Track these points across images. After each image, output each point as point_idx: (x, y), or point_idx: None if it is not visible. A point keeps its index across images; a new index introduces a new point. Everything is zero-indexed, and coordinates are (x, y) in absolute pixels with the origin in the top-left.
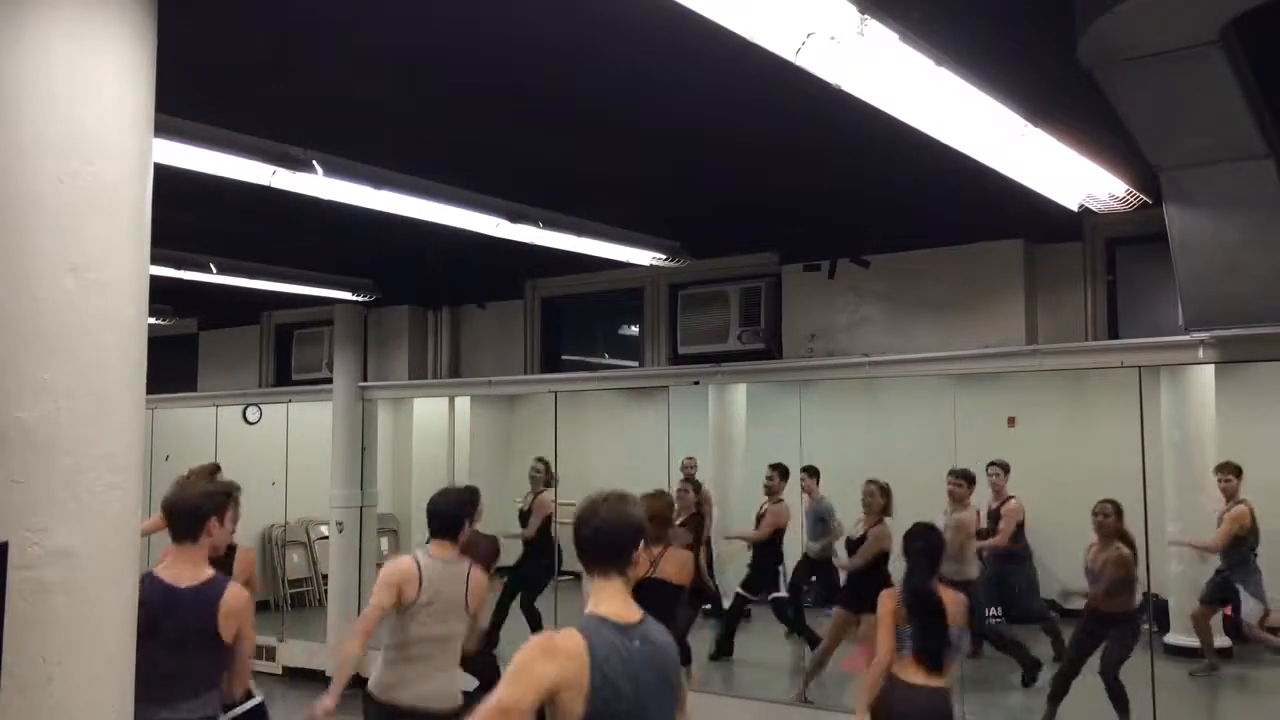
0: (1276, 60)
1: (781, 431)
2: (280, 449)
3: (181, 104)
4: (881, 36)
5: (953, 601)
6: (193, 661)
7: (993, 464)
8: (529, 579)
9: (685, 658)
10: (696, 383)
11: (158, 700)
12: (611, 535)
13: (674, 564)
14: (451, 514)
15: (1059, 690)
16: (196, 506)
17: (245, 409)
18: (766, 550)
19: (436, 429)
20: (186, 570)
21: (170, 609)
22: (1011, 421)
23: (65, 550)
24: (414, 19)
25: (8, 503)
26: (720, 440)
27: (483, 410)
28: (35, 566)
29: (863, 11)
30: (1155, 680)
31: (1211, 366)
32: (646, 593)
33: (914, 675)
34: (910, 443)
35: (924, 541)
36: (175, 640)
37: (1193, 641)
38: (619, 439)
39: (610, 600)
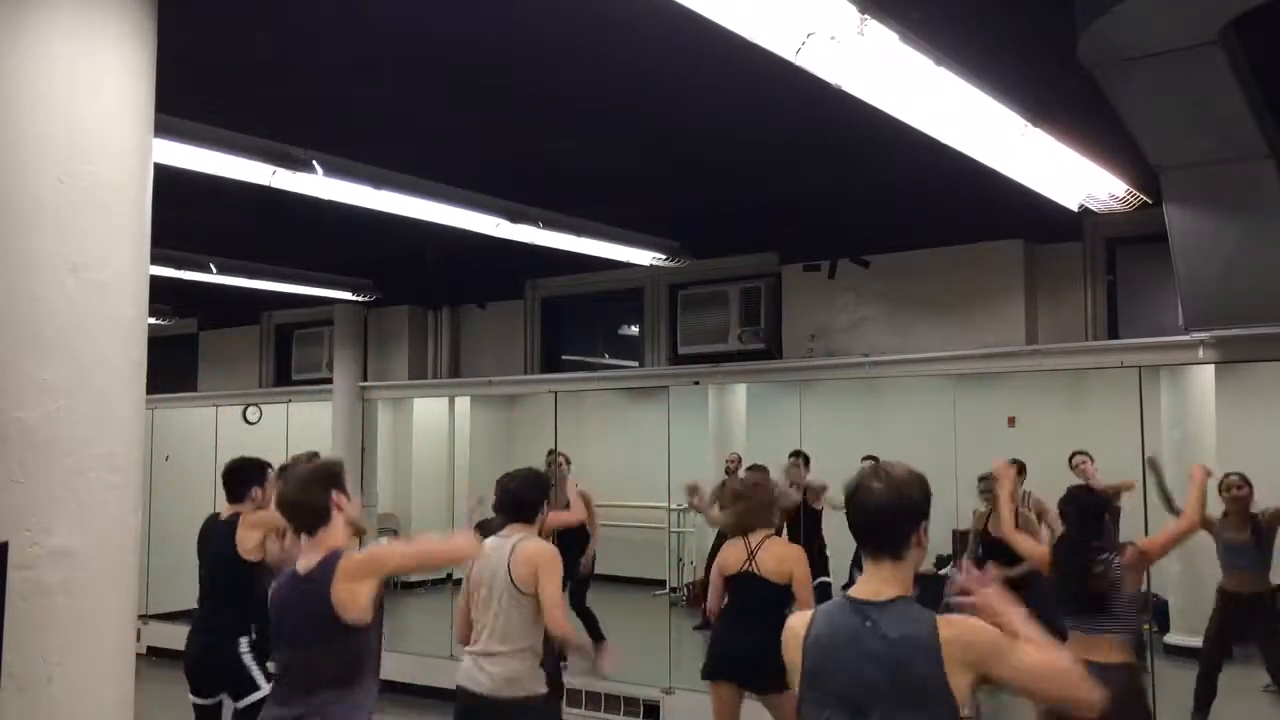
0: (1276, 60)
1: (781, 431)
2: (280, 449)
3: (181, 104)
4: (881, 36)
5: None
6: None
7: (1078, 454)
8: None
9: None
10: (696, 383)
11: None
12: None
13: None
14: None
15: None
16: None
17: (245, 409)
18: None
19: (436, 429)
20: None
21: None
22: (1011, 421)
23: (65, 550)
24: (414, 19)
25: (8, 503)
26: (720, 440)
27: (483, 410)
28: (35, 566)
29: (863, 11)
30: (1155, 681)
31: (1211, 366)
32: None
33: None
34: (910, 443)
35: None
36: None
37: (1193, 641)
38: (619, 439)
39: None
